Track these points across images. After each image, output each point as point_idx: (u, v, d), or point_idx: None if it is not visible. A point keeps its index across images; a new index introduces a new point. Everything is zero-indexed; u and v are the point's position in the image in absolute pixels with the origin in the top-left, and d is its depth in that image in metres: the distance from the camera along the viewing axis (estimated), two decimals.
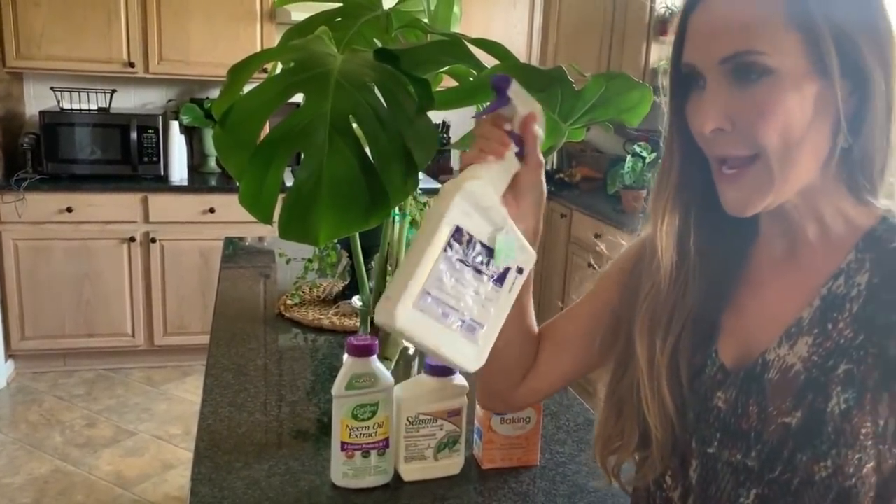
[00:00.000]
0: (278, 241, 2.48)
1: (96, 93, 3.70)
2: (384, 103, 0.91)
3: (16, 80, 3.75)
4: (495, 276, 0.75)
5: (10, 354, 3.59)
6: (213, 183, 3.76)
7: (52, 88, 3.66)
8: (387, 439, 1.07)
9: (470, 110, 1.07)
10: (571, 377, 0.97)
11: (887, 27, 0.71)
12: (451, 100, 1.04)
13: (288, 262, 2.03)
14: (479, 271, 0.74)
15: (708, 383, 0.81)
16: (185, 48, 3.66)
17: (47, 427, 3.16)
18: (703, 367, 0.82)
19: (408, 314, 0.70)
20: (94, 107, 3.70)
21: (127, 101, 3.96)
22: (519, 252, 0.77)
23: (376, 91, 0.91)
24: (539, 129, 0.79)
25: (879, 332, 0.71)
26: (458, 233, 0.72)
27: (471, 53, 0.93)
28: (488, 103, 0.79)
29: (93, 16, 3.52)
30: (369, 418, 1.05)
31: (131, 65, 3.62)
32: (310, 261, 1.87)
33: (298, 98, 0.93)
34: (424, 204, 1.68)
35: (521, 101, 0.78)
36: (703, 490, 0.80)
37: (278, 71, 1.12)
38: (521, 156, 0.79)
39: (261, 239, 2.65)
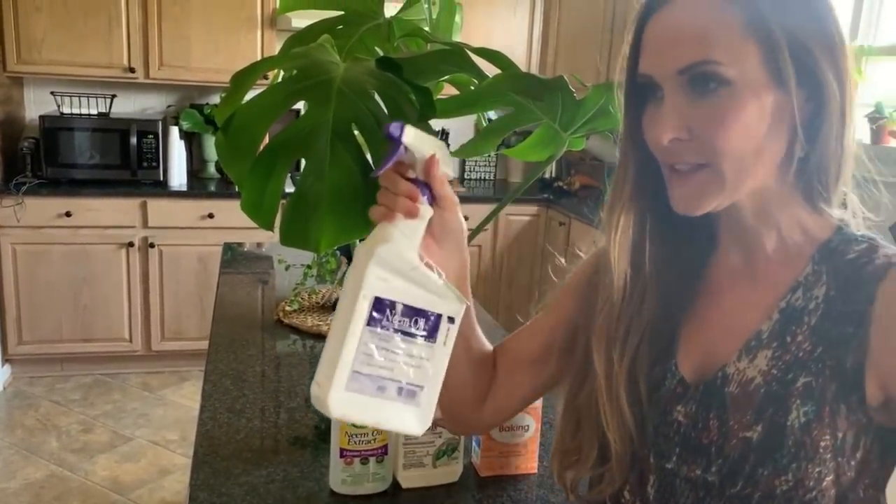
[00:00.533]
0: (277, 247, 2.49)
1: (96, 98, 3.71)
2: (386, 111, 0.91)
3: (16, 84, 3.76)
4: (426, 334, 0.74)
5: (6, 359, 3.58)
6: (213, 188, 3.77)
7: (52, 93, 3.67)
8: (385, 446, 1.07)
9: (470, 118, 1.08)
10: (534, 394, 0.97)
11: (839, 35, 0.71)
12: (452, 108, 1.05)
13: (287, 268, 2.04)
14: (407, 334, 0.73)
15: (667, 396, 0.80)
16: (185, 54, 3.67)
17: (43, 432, 3.15)
18: (662, 380, 0.81)
19: (341, 400, 0.70)
20: (94, 112, 3.70)
21: (127, 106, 3.96)
22: (449, 301, 0.76)
23: (378, 99, 0.92)
24: (444, 168, 0.76)
25: (836, 345, 0.71)
26: (378, 302, 0.71)
27: (472, 62, 0.94)
28: (386, 155, 0.75)
29: (94, 21, 3.53)
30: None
31: (132, 70, 3.63)
32: (309, 267, 1.88)
33: (298, 105, 0.93)
34: None
35: (420, 143, 0.75)
36: None
37: (280, 78, 1.13)
38: (432, 199, 0.76)
39: (259, 245, 2.65)
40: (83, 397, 3.48)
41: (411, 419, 0.74)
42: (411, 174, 0.76)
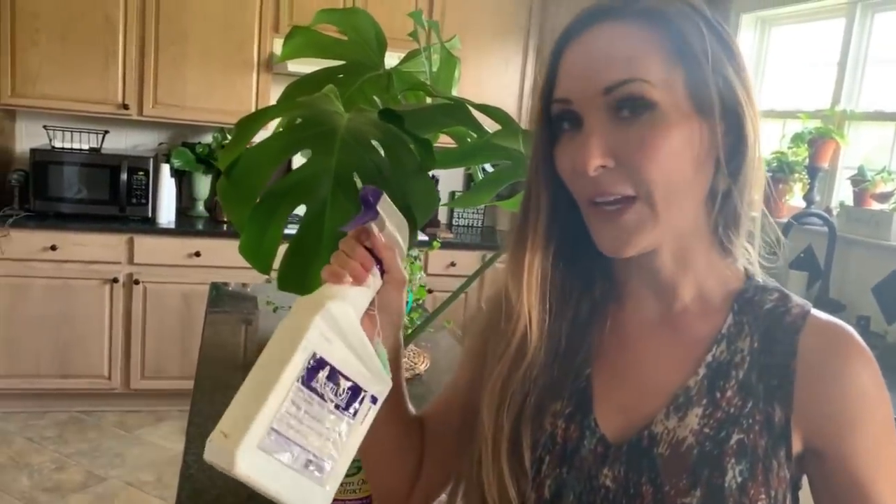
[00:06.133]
0: (262, 288, 2.48)
1: (88, 133, 3.72)
2: (387, 161, 0.93)
3: (8, 116, 3.76)
4: (348, 409, 0.68)
5: None
6: (201, 227, 3.76)
7: (44, 127, 3.68)
8: (369, 497, 1.06)
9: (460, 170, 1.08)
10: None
11: (751, 89, 0.71)
12: (451, 160, 1.07)
13: (275, 309, 2.03)
14: (334, 404, 0.67)
15: (590, 459, 0.73)
16: (181, 93, 3.69)
17: (15, 469, 3.08)
18: (581, 440, 0.74)
19: (251, 458, 0.61)
20: (85, 146, 3.70)
21: (119, 142, 3.97)
22: (379, 381, 0.70)
23: (380, 149, 0.94)
24: (402, 246, 0.76)
25: (763, 399, 0.70)
26: (313, 359, 0.65)
27: (472, 117, 0.96)
28: (355, 216, 0.74)
29: (91, 57, 3.56)
30: (354, 474, 1.04)
31: (125, 107, 3.65)
32: None
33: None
34: (415, 258, 1.70)
35: (388, 215, 0.74)
36: None
37: (280, 125, 1.14)
38: (382, 272, 0.75)
39: (244, 285, 2.64)
40: (58, 435, 3.41)
41: (314, 498, 0.66)
42: (368, 245, 0.74)
